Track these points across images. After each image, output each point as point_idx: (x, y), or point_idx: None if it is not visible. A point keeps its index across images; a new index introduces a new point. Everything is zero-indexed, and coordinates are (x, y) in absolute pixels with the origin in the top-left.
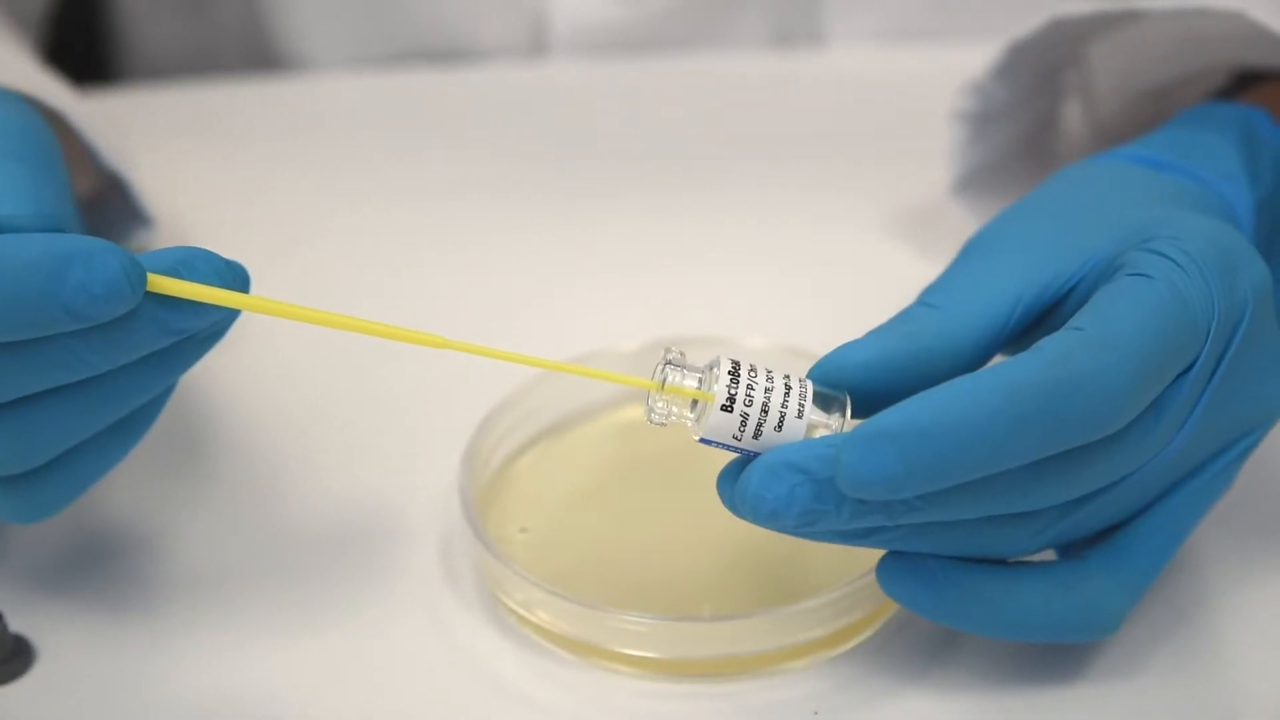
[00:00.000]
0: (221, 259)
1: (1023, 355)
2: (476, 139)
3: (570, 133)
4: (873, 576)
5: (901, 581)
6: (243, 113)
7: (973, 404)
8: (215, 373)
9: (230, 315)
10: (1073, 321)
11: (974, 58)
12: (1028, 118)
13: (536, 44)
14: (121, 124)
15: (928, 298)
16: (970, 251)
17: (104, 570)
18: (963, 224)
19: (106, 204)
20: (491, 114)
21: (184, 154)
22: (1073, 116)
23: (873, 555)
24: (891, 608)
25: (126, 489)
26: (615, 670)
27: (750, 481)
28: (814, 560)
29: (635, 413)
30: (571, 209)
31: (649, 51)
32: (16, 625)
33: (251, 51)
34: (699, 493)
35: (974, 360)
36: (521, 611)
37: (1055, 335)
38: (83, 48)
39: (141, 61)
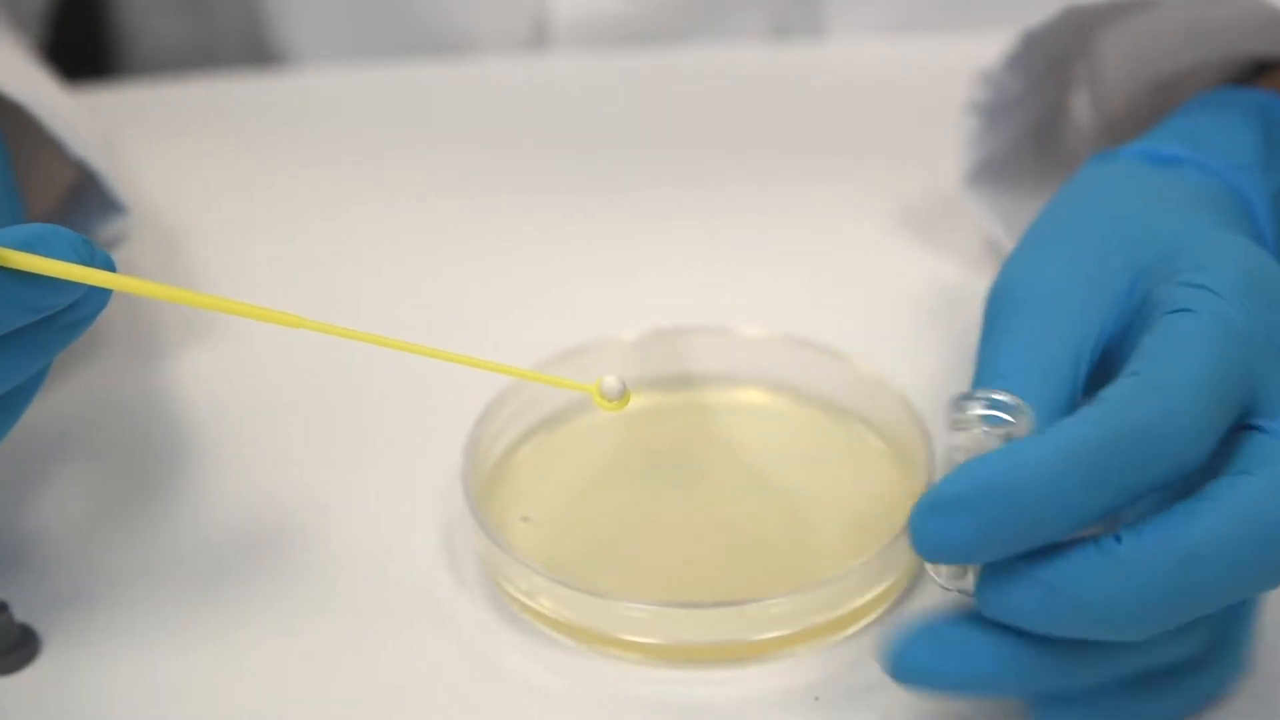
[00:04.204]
0: (80, 237)
1: (1084, 409)
2: (477, 133)
3: (571, 126)
4: (874, 561)
5: None
6: (242, 108)
7: (1038, 464)
8: (216, 365)
9: (98, 299)
10: (1128, 367)
11: (975, 50)
12: (1037, 108)
13: (537, 37)
14: (118, 118)
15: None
16: (998, 314)
17: (109, 561)
18: (962, 215)
19: (84, 194)
20: (492, 108)
21: (184, 149)
22: (1081, 107)
23: (876, 539)
24: (894, 593)
25: (134, 478)
26: (617, 656)
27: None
28: (815, 546)
29: (637, 401)
30: (572, 201)
31: (650, 45)
32: (21, 616)
33: (251, 47)
34: (700, 480)
35: None
36: (524, 599)
37: (1114, 385)
38: (82, 43)
39: (141, 57)
